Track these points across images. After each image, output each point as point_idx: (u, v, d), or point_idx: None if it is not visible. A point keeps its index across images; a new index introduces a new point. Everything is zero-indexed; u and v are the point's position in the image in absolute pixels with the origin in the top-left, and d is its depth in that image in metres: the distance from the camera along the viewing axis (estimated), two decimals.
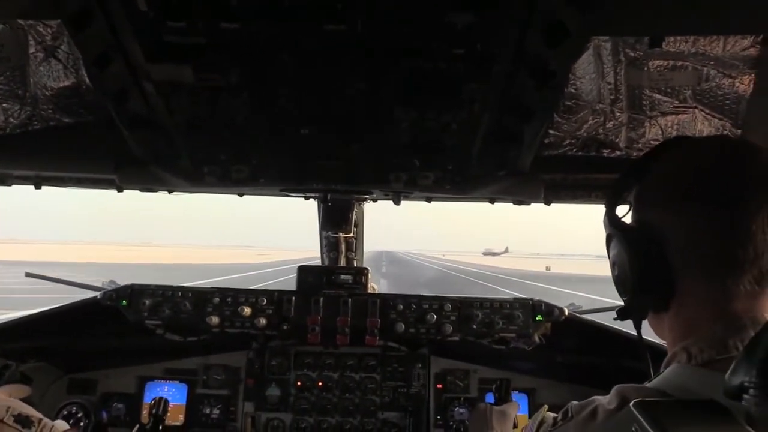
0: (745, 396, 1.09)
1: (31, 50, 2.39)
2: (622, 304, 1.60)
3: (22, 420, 1.51)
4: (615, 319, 1.69)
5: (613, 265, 1.56)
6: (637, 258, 1.45)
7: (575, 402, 1.53)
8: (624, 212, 1.59)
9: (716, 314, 1.37)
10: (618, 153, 2.70)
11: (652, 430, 1.09)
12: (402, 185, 2.62)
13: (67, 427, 1.75)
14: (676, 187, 1.44)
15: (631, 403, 1.19)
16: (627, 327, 3.16)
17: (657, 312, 1.51)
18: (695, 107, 2.49)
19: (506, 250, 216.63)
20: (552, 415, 1.74)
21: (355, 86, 2.12)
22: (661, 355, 1.52)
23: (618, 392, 1.39)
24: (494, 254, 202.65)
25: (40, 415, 1.64)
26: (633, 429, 1.15)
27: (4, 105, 2.57)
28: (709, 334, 1.36)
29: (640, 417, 1.14)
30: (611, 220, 1.56)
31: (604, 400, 1.42)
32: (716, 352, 1.33)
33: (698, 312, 1.40)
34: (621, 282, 1.53)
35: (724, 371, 1.15)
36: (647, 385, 1.43)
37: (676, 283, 1.41)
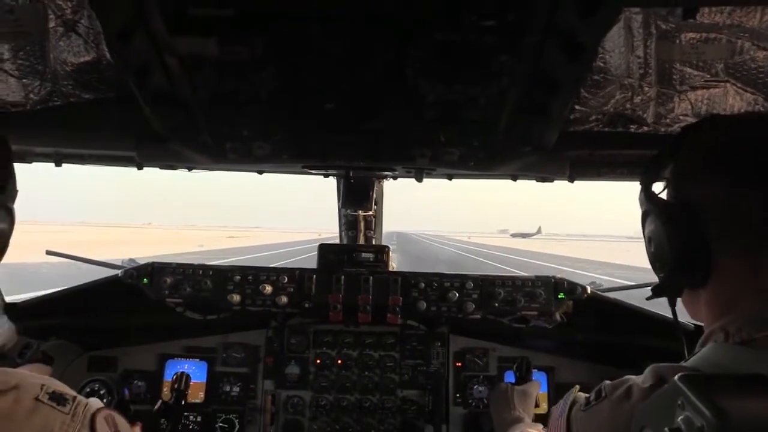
0: None
1: (51, 24, 2.34)
2: (647, 283, 1.58)
3: (57, 397, 1.50)
4: (648, 298, 1.67)
5: (649, 242, 1.55)
6: (674, 233, 1.43)
7: (608, 381, 1.52)
8: (660, 189, 1.56)
9: (754, 291, 1.35)
10: (645, 129, 2.65)
11: (700, 404, 1.06)
12: (426, 161, 2.58)
13: (101, 404, 1.74)
14: (714, 162, 1.42)
15: (675, 377, 1.17)
16: (650, 306, 3.15)
17: (693, 288, 1.49)
18: (727, 81, 2.42)
19: (539, 231, 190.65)
20: (584, 395, 1.73)
21: (381, 59, 2.08)
22: (690, 334, 1.50)
23: (653, 371, 1.37)
24: (525, 236, 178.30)
25: (74, 393, 1.63)
26: (679, 403, 1.13)
27: (24, 81, 2.53)
28: (747, 312, 1.34)
29: (687, 391, 1.11)
30: (648, 195, 1.54)
31: (638, 380, 1.41)
32: (756, 330, 1.31)
33: (736, 289, 1.38)
34: (658, 258, 1.51)
35: (763, 349, 1.13)
36: (684, 364, 1.42)
37: (714, 259, 1.39)
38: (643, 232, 1.58)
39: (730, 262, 1.38)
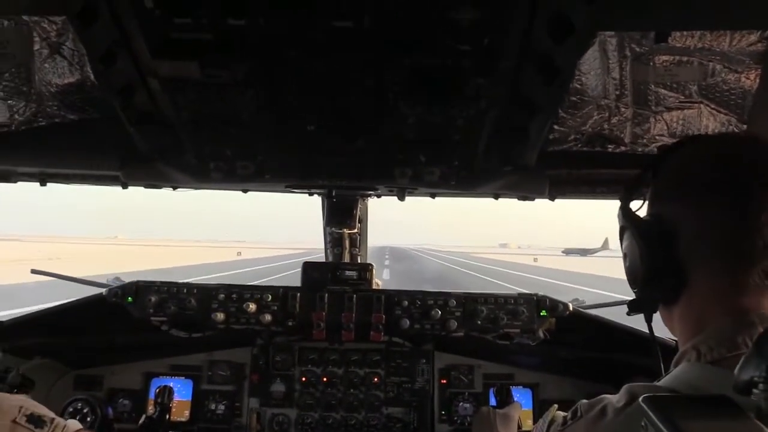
0: (755, 391, 1.09)
1: (36, 47, 2.38)
2: (628, 299, 1.62)
3: (35, 420, 1.50)
4: (628, 313, 1.70)
5: (624, 257, 1.58)
6: (647, 249, 1.47)
7: (585, 401, 1.53)
8: (638, 206, 1.61)
9: (725, 309, 1.38)
10: (623, 148, 2.70)
11: (661, 425, 1.09)
12: (407, 181, 2.62)
13: (80, 426, 1.74)
14: (689, 180, 1.45)
15: (640, 398, 1.20)
16: (633, 322, 3.18)
17: (667, 304, 1.52)
18: (701, 102, 2.48)
19: (605, 246, 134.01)
20: (562, 414, 1.75)
21: (361, 81, 2.12)
22: (669, 350, 1.53)
23: (628, 390, 1.38)
24: (584, 252, 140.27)
25: (52, 415, 1.63)
26: (642, 424, 1.15)
27: (9, 102, 2.56)
28: (719, 331, 1.36)
29: (649, 412, 1.14)
30: (624, 212, 1.58)
31: (614, 399, 1.43)
32: (726, 349, 1.33)
33: (708, 306, 1.41)
34: (632, 273, 1.55)
35: (733, 368, 1.16)
36: (657, 383, 1.44)
37: (687, 275, 1.42)
38: (621, 247, 1.61)
39: (701, 280, 1.41)
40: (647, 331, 1.71)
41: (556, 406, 2.00)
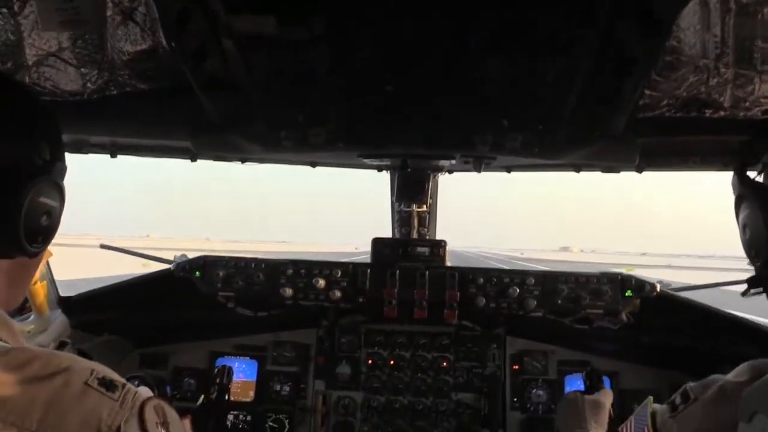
0: None
1: (109, 13, 2.34)
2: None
3: (107, 383, 1.42)
4: (744, 293, 1.56)
5: (743, 228, 1.47)
6: None
7: (693, 383, 1.44)
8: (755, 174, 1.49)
9: None
10: (722, 113, 2.48)
11: None
12: (488, 148, 2.48)
13: (151, 394, 1.68)
14: None
15: None
16: (726, 307, 2.95)
17: None
18: None
19: None
20: (658, 406, 1.65)
21: (443, 37, 2.00)
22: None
23: (750, 366, 1.30)
24: None
25: (123, 380, 1.56)
26: None
27: (81, 70, 2.53)
28: None
29: None
30: (742, 180, 1.48)
31: (730, 377, 1.34)
32: None
33: None
34: (754, 246, 1.42)
35: None
36: None
37: None
38: (737, 218, 1.50)
39: None
40: (746, 316, 1.58)
41: (650, 398, 1.86)
